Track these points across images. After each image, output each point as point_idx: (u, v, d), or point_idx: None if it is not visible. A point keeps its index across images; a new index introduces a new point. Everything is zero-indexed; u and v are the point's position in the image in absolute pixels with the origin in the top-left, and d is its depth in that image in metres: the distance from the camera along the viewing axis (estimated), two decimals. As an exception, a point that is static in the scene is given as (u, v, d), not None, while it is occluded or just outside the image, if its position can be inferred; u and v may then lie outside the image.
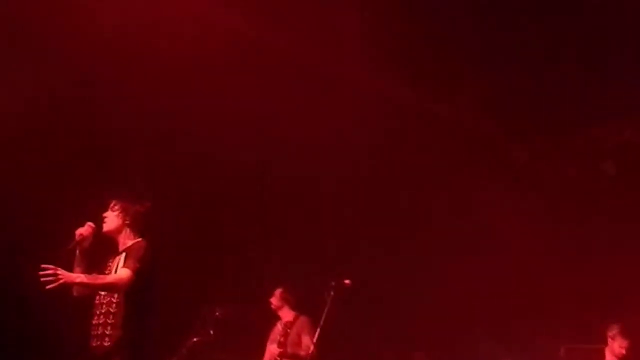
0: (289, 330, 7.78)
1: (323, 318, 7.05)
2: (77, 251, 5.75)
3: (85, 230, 5.77)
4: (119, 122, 8.48)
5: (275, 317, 8.19)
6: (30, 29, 7.61)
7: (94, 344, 5.61)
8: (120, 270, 5.62)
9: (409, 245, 9.81)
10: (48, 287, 5.22)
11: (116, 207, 5.93)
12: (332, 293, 7.11)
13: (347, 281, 7.20)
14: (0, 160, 8.08)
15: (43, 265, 5.27)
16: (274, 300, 8.11)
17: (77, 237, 5.73)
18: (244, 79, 8.20)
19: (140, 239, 5.86)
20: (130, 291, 5.56)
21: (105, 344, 5.54)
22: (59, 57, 7.81)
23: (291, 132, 8.64)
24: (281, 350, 7.68)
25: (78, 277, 5.50)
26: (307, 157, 8.99)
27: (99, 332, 5.59)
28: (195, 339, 8.08)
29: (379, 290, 9.54)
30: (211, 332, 8.10)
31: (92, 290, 5.69)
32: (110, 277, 5.62)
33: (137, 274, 5.54)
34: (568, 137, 9.76)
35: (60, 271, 5.29)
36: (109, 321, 5.57)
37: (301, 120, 8.51)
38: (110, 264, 5.85)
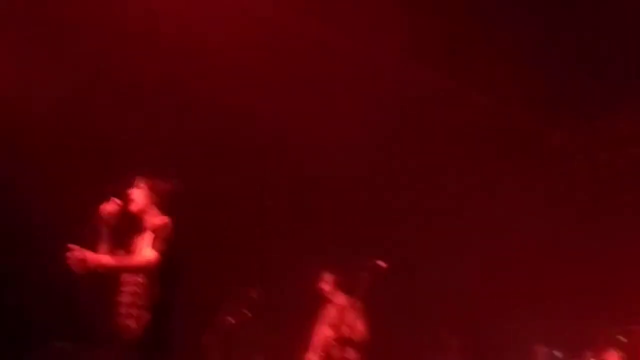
0: (337, 315, 7.81)
1: (360, 301, 7.15)
2: (103, 228, 5.71)
3: (111, 207, 5.76)
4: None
5: (324, 300, 8.17)
6: (83, 30, 7.78)
7: (119, 322, 5.58)
8: (146, 251, 5.60)
9: (448, 227, 9.86)
10: (74, 269, 5.31)
11: (142, 185, 5.88)
12: (367, 275, 7.22)
13: (382, 263, 7.28)
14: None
15: (69, 245, 5.34)
16: (325, 286, 8.11)
17: (103, 214, 5.71)
18: (286, 70, 8.31)
19: (166, 218, 5.80)
20: (156, 272, 5.57)
21: (132, 324, 5.52)
22: (109, 54, 8.04)
23: (328, 118, 8.73)
24: (336, 334, 7.73)
25: (104, 258, 5.52)
26: (343, 142, 9.07)
27: (126, 312, 5.57)
28: (231, 320, 8.20)
29: (418, 272, 9.60)
30: (247, 312, 8.20)
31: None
32: (136, 259, 5.60)
33: (164, 255, 5.54)
34: (601, 121, 9.75)
35: (87, 252, 5.38)
36: (138, 302, 5.56)
37: (337, 107, 8.60)
38: (135, 241, 5.81)
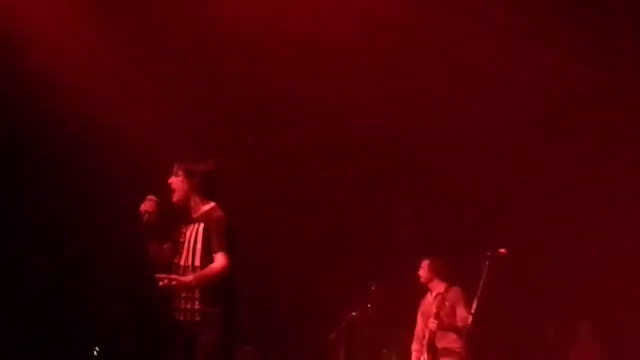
0: (440, 303, 7.66)
1: (480, 289, 6.94)
2: (146, 229, 5.52)
3: (148, 206, 5.54)
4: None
5: (423, 290, 8.02)
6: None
7: (182, 319, 5.43)
8: (217, 258, 5.35)
9: (567, 214, 9.53)
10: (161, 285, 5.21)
11: (180, 172, 5.60)
12: (487, 263, 6.99)
13: (502, 250, 7.03)
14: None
15: (158, 276, 5.23)
16: (423, 273, 7.87)
17: (143, 215, 5.51)
18: (393, 60, 8.26)
19: (214, 205, 5.56)
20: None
21: (197, 319, 5.37)
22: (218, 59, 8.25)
23: (435, 107, 8.62)
24: (438, 322, 7.58)
25: (190, 279, 5.31)
26: (450, 133, 8.93)
27: (187, 307, 5.41)
28: (353, 314, 8.18)
29: (537, 261, 9.33)
30: (369, 307, 8.16)
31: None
32: (215, 269, 5.33)
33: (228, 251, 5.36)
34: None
35: (174, 277, 5.27)
36: (196, 296, 5.38)
37: (441, 96, 8.49)
38: (184, 231, 5.58)
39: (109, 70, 8.36)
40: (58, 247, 8.77)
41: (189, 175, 5.56)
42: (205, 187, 5.58)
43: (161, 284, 5.23)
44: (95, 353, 8.85)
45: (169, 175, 5.62)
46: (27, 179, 8.61)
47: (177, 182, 5.58)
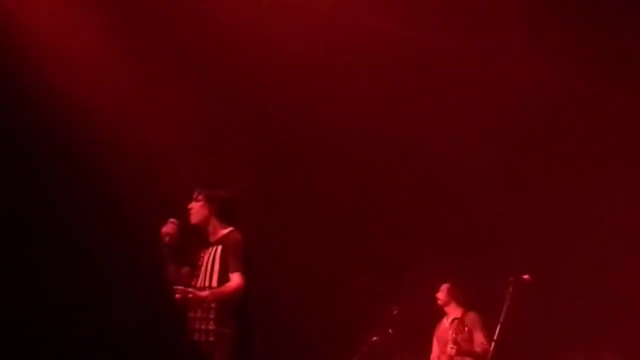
0: (457, 327, 7.61)
1: (503, 315, 6.85)
2: (165, 250, 5.70)
3: (169, 228, 5.72)
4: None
5: (439, 314, 8.03)
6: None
7: (196, 339, 5.55)
8: (233, 277, 5.52)
9: (594, 239, 9.38)
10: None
11: (200, 197, 5.80)
12: (510, 289, 6.91)
13: (526, 276, 6.96)
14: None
15: (175, 288, 5.43)
16: (441, 296, 7.93)
17: (164, 237, 5.69)
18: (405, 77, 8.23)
19: (232, 229, 5.76)
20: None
21: (211, 339, 5.49)
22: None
23: (453, 121, 8.58)
24: (457, 347, 7.52)
25: (205, 294, 5.48)
26: (470, 147, 8.86)
27: (201, 327, 5.53)
28: (375, 338, 8.13)
29: (562, 286, 9.17)
30: (390, 331, 8.11)
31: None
32: (230, 286, 5.50)
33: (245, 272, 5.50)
34: None
35: (190, 290, 5.44)
36: (210, 316, 5.51)
37: (458, 108, 8.45)
38: (202, 255, 5.77)
39: (121, 84, 8.44)
40: (73, 260, 8.76)
41: (208, 200, 5.77)
42: (224, 213, 5.79)
43: (177, 296, 5.39)
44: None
45: (190, 199, 5.83)
46: (41, 189, 8.64)
47: (197, 206, 5.79)
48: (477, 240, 9.35)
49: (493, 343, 6.94)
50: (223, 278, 5.57)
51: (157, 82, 8.50)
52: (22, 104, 8.33)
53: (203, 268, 5.68)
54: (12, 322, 8.33)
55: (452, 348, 7.52)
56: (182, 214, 5.83)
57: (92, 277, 8.76)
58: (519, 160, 9.15)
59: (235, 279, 5.50)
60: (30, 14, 8.11)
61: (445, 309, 7.94)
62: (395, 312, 8.15)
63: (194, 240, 5.90)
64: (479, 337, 7.56)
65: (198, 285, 5.64)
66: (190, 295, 5.38)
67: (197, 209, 5.79)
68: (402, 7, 7.98)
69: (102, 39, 8.35)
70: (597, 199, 9.21)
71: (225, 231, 5.76)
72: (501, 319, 6.86)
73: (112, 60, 8.44)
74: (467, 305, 7.86)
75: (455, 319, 7.78)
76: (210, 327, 5.51)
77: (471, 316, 7.70)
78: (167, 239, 5.68)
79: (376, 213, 9.61)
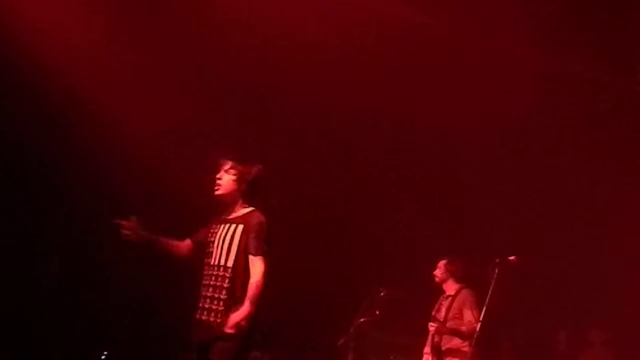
0: (449, 304, 7.55)
1: (488, 296, 6.85)
2: (139, 237, 5.45)
3: (125, 234, 5.44)
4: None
5: (438, 292, 7.88)
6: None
7: (200, 316, 5.38)
8: (254, 263, 5.31)
9: (582, 221, 9.44)
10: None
11: (232, 171, 5.54)
12: (496, 270, 6.91)
13: (512, 257, 6.94)
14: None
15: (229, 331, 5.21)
16: (438, 273, 7.76)
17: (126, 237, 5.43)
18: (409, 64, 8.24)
19: (253, 209, 5.50)
20: (246, 270, 5.34)
21: (215, 320, 5.30)
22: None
23: (453, 109, 8.57)
24: (437, 325, 7.48)
25: (242, 311, 5.21)
26: (467, 134, 8.87)
27: (208, 306, 5.35)
28: (362, 320, 8.11)
29: (548, 266, 9.23)
30: (377, 312, 8.10)
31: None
32: (258, 282, 5.26)
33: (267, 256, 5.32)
34: None
35: (232, 326, 5.19)
36: (221, 297, 5.32)
37: (457, 96, 8.43)
38: (214, 230, 5.51)
39: (119, 75, 8.38)
40: (68, 251, 8.76)
41: (241, 176, 5.51)
42: (250, 192, 5.54)
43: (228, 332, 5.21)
44: (103, 357, 8.83)
45: (217, 169, 5.56)
46: (36, 184, 8.62)
47: (227, 179, 5.52)
48: (464, 223, 9.38)
49: (479, 323, 6.92)
50: (241, 259, 5.35)
51: (158, 74, 8.44)
52: (19, 96, 8.28)
53: (217, 245, 5.43)
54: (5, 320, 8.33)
55: (431, 326, 7.48)
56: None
57: (85, 266, 8.77)
58: (511, 142, 9.14)
59: (258, 267, 5.29)
60: (25, 5, 8.02)
61: (443, 286, 7.78)
62: (382, 293, 8.12)
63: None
64: (467, 316, 7.40)
65: (213, 263, 5.40)
66: (243, 323, 5.18)
67: (227, 182, 5.52)
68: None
69: (100, 29, 8.30)
70: (585, 183, 9.27)
71: (246, 210, 5.50)
72: (487, 300, 6.85)
73: (110, 50, 8.39)
74: (464, 282, 7.73)
75: (450, 296, 7.71)
76: (220, 308, 5.31)
77: (464, 293, 7.53)
78: (130, 237, 5.44)
79: (365, 198, 9.62)
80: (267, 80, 8.81)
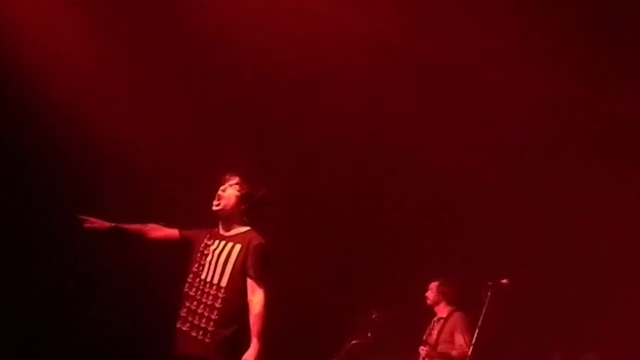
0: (441, 328, 7.49)
1: (480, 320, 6.77)
2: (102, 225, 5.44)
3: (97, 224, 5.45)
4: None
5: (430, 314, 7.85)
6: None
7: (184, 328, 5.26)
8: (253, 288, 5.21)
9: (579, 242, 9.36)
10: None
11: (237, 187, 5.45)
12: (489, 293, 6.84)
13: (504, 280, 6.87)
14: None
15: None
16: (430, 295, 7.72)
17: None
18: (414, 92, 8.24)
19: (249, 229, 5.40)
20: (240, 292, 5.24)
21: (204, 339, 5.18)
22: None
23: (450, 131, 8.54)
24: (427, 349, 7.40)
25: (253, 350, 5.10)
26: (464, 154, 8.83)
27: (197, 323, 5.21)
28: (354, 342, 8.07)
29: (542, 288, 9.14)
30: (369, 334, 8.05)
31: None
32: (261, 313, 5.17)
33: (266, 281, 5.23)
34: None
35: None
36: (212, 317, 5.20)
37: (454, 116, 8.40)
38: (208, 242, 5.40)
39: (111, 83, 8.33)
40: (59, 258, 8.68)
41: (244, 194, 5.41)
42: (251, 212, 5.44)
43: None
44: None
45: (221, 183, 5.47)
46: (29, 190, 8.55)
47: (230, 194, 5.42)
48: (457, 246, 9.31)
49: (471, 347, 6.84)
50: (236, 280, 5.23)
51: (151, 82, 8.37)
52: (8, 103, 8.21)
53: (211, 260, 5.31)
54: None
55: (422, 349, 7.42)
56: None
57: (78, 275, 8.68)
58: (508, 163, 9.09)
59: (258, 293, 5.20)
60: (15, 12, 7.95)
61: (435, 308, 7.74)
62: (374, 315, 8.08)
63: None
64: (459, 340, 7.36)
65: (204, 277, 5.27)
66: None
67: (229, 196, 5.41)
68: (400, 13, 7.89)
69: (91, 36, 8.20)
70: (579, 203, 9.20)
71: (243, 229, 5.40)
72: (479, 324, 6.77)
73: (101, 58, 8.31)
74: (457, 304, 7.66)
75: (441, 318, 7.64)
76: (210, 328, 5.19)
77: (456, 317, 7.50)
78: (89, 226, 5.43)
79: (358, 220, 9.54)
80: (267, 91, 8.74)
